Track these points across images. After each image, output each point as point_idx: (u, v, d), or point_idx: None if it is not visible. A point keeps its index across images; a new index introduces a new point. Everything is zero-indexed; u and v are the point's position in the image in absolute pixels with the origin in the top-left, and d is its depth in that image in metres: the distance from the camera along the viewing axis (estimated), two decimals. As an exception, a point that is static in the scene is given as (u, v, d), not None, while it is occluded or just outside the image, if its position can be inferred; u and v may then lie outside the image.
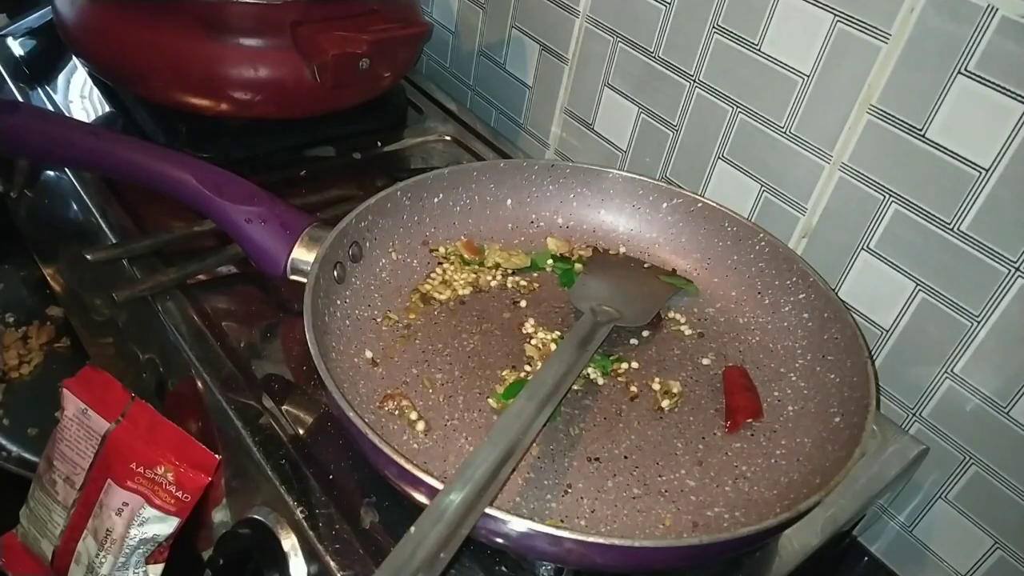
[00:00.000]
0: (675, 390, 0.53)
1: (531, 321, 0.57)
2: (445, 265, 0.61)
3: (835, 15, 0.55)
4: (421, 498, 0.41)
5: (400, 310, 0.57)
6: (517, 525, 0.38)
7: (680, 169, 0.70)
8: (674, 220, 0.64)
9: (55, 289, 0.79)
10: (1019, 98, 0.48)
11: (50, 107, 0.76)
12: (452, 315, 0.57)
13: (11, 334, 0.85)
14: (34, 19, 0.87)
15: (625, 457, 0.49)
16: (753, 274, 0.60)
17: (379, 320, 0.56)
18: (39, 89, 0.78)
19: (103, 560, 0.52)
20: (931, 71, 0.51)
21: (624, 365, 0.55)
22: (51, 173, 0.73)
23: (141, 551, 0.52)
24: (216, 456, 0.50)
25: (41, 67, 0.81)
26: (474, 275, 0.60)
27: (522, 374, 0.53)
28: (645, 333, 0.58)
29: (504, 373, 0.53)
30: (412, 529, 0.23)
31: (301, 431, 0.50)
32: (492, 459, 0.31)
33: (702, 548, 0.39)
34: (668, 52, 0.67)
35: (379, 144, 0.79)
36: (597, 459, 0.48)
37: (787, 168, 0.62)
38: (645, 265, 0.63)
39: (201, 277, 0.60)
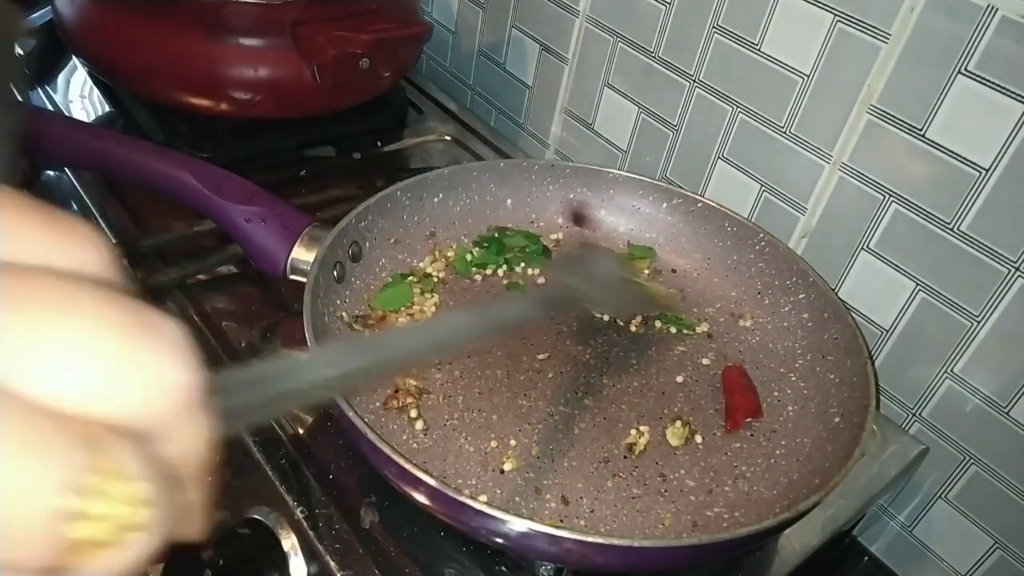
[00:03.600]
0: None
1: (531, 321, 0.57)
2: (444, 266, 0.61)
3: (835, 15, 0.55)
4: (421, 498, 0.41)
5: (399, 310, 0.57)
6: (517, 525, 0.38)
7: (680, 169, 0.70)
8: (674, 220, 0.64)
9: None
10: (1019, 98, 0.48)
11: (50, 107, 0.76)
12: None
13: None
14: (34, 19, 0.87)
15: (624, 457, 0.49)
16: (753, 274, 0.60)
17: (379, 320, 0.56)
18: (39, 89, 0.78)
19: (103, 560, 0.52)
20: (931, 71, 0.51)
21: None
22: (51, 173, 0.73)
23: (141, 551, 0.52)
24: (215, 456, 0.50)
25: (41, 67, 0.81)
26: (473, 275, 0.60)
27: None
28: (648, 333, 0.58)
29: (503, 373, 0.53)
30: (304, 356, 0.22)
31: (301, 431, 0.50)
32: (410, 342, 0.29)
33: (702, 548, 0.39)
34: (668, 52, 0.67)
35: (379, 144, 0.79)
36: (597, 459, 0.48)
37: (787, 168, 0.62)
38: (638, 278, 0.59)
39: (201, 277, 0.60)
